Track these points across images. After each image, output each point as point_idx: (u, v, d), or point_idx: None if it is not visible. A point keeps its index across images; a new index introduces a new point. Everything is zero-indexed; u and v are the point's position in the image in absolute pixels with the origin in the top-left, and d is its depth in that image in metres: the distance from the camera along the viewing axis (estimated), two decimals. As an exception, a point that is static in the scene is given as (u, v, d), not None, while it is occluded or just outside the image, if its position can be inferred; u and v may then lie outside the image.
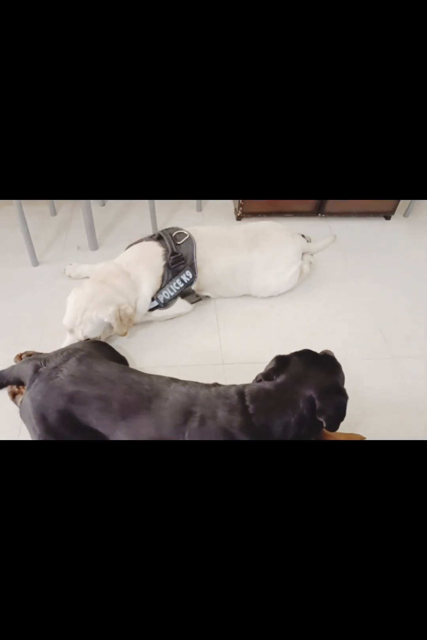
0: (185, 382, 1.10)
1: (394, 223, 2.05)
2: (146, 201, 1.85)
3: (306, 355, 1.06)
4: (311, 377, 1.00)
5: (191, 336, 1.52)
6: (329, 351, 1.11)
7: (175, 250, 1.47)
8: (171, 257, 1.46)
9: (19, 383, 1.21)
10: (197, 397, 1.04)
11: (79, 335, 1.31)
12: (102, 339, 1.39)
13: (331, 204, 1.97)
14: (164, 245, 1.48)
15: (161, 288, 1.47)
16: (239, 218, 1.98)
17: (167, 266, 1.46)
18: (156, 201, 1.85)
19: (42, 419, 1.04)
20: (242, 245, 1.55)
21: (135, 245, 1.53)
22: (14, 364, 1.28)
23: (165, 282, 1.47)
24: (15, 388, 1.23)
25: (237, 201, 1.96)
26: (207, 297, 1.61)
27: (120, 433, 1.05)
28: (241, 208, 1.95)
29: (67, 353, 1.13)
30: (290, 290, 1.67)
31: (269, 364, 1.09)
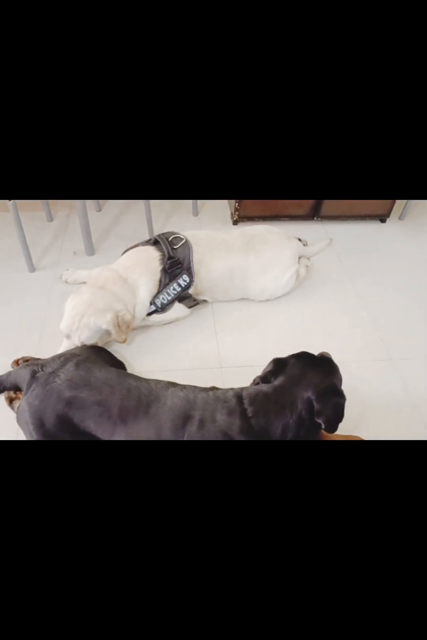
0: (183, 387, 1.10)
1: (390, 226, 2.07)
2: (142, 206, 1.85)
3: (303, 358, 1.06)
4: (309, 379, 1.00)
5: (189, 340, 1.51)
6: (326, 353, 1.12)
7: (172, 254, 1.47)
8: (168, 262, 1.46)
9: (16, 389, 1.20)
10: (195, 401, 1.03)
11: (76, 341, 1.31)
12: (100, 345, 1.39)
13: (327, 208, 1.99)
14: (160, 250, 1.48)
15: (159, 292, 1.47)
16: (235, 222, 1.99)
17: (164, 270, 1.46)
18: (152, 206, 1.85)
19: (39, 424, 1.03)
20: (238, 249, 1.55)
21: (131, 250, 1.53)
22: (10, 369, 1.27)
23: (162, 286, 1.47)
24: (12, 394, 1.22)
25: (233, 205, 1.97)
26: (204, 301, 1.62)
27: (119, 438, 1.04)
28: (237, 212, 1.95)
29: (65, 358, 1.13)
30: (287, 294, 1.68)
31: (267, 366, 1.09)
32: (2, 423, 1.21)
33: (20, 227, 1.62)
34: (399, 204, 2.09)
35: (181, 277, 1.48)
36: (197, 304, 1.59)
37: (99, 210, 2.06)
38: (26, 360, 1.32)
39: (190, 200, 2.05)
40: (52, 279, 1.69)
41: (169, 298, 1.48)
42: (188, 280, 1.49)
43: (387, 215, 2.05)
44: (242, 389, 1.06)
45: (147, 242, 1.53)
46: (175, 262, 1.47)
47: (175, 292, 1.49)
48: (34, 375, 1.09)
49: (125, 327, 1.35)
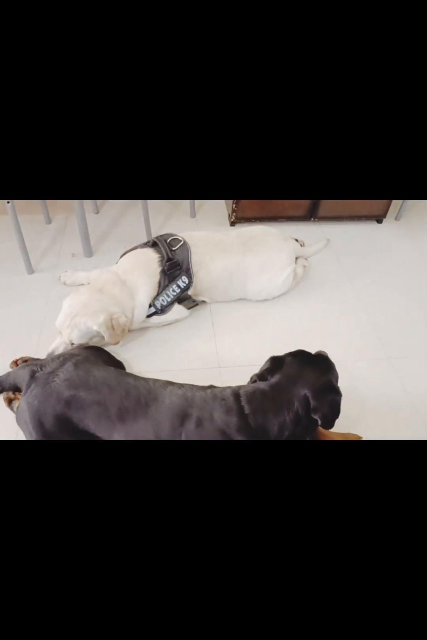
0: (181, 385, 1.10)
1: (386, 226, 2.09)
2: (140, 208, 1.86)
3: (299, 356, 1.07)
4: (305, 377, 1.01)
5: (187, 341, 1.52)
6: (323, 351, 1.13)
7: (170, 256, 1.48)
8: (167, 263, 1.47)
9: (15, 389, 1.21)
10: (193, 400, 1.04)
11: (65, 338, 1.31)
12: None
13: (324, 209, 2.00)
14: (159, 252, 1.49)
15: (158, 294, 1.48)
16: (232, 223, 2.00)
17: (163, 272, 1.47)
18: (150, 208, 1.86)
19: (39, 424, 1.03)
20: (236, 249, 1.56)
21: (130, 253, 1.54)
22: (9, 370, 1.27)
23: (161, 288, 1.48)
24: (11, 394, 1.22)
25: (230, 207, 1.98)
26: (203, 302, 1.62)
27: (118, 437, 1.05)
28: (234, 213, 1.96)
29: (64, 358, 1.13)
30: (285, 294, 1.69)
31: (264, 364, 1.10)
32: (2, 423, 1.22)
33: (18, 230, 1.63)
34: (395, 204, 2.11)
35: (180, 278, 1.49)
36: (196, 305, 1.60)
37: (97, 212, 2.07)
38: (25, 360, 1.32)
39: (188, 202, 2.07)
40: (50, 281, 1.70)
41: (169, 300, 1.49)
42: (187, 282, 1.50)
43: (384, 215, 2.06)
44: (239, 387, 1.06)
45: (145, 245, 1.54)
46: (174, 264, 1.48)
47: (174, 293, 1.49)
48: (33, 375, 1.09)
49: (120, 331, 1.35)
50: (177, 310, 1.53)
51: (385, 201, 2.01)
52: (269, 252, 1.60)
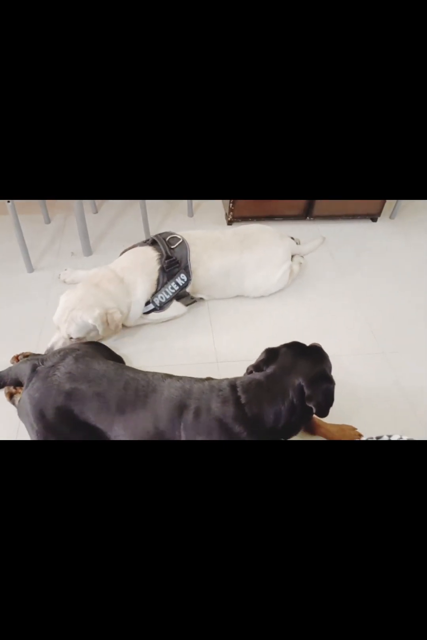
0: (179, 378, 1.13)
1: (381, 225, 2.12)
2: (138, 208, 1.89)
3: (294, 347, 1.10)
4: (300, 367, 1.04)
5: (186, 337, 1.55)
6: (317, 343, 1.15)
7: (169, 254, 1.51)
8: (166, 261, 1.50)
9: (17, 384, 1.23)
10: (191, 391, 1.07)
11: (63, 333, 1.33)
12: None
13: (319, 208, 2.03)
14: (158, 250, 1.52)
15: (157, 291, 1.51)
16: (230, 222, 2.03)
17: (162, 270, 1.50)
18: (148, 207, 1.89)
19: (40, 416, 1.06)
20: (234, 247, 1.59)
21: (130, 251, 1.56)
22: (10, 365, 1.30)
23: (160, 285, 1.51)
24: (12, 389, 1.24)
25: (227, 206, 2.01)
26: (201, 299, 1.65)
27: (117, 428, 1.07)
28: (231, 212, 1.99)
29: (64, 352, 1.16)
30: (281, 291, 1.72)
31: (260, 356, 1.12)
32: (2, 423, 1.24)
33: (19, 229, 1.65)
34: (390, 203, 2.14)
35: (179, 276, 1.52)
36: (194, 301, 1.63)
37: (96, 212, 2.09)
38: (26, 355, 1.35)
39: (186, 202, 2.10)
40: (50, 279, 1.72)
41: (167, 297, 1.52)
42: (186, 279, 1.53)
43: (378, 214, 2.09)
44: (236, 378, 1.09)
45: (144, 243, 1.57)
46: (173, 262, 1.51)
47: (173, 290, 1.52)
48: (34, 369, 1.12)
49: (114, 326, 1.38)
50: (176, 307, 1.56)
51: (379, 200, 2.04)
52: (265, 250, 1.63)
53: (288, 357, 1.07)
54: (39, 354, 1.28)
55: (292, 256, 1.76)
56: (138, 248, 1.56)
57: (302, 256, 1.83)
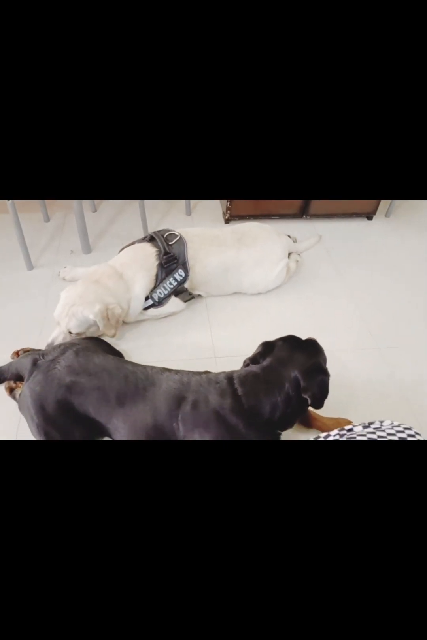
0: (177, 371, 1.15)
1: (376, 223, 2.14)
2: (137, 206, 1.91)
3: (290, 340, 1.12)
4: (295, 359, 1.06)
5: (184, 333, 1.57)
6: (312, 337, 1.17)
7: (167, 250, 1.53)
8: (164, 257, 1.52)
9: (17, 378, 1.25)
10: (189, 384, 1.09)
11: (63, 328, 1.35)
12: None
13: (315, 206, 2.06)
14: (156, 246, 1.54)
15: (155, 287, 1.53)
16: (227, 221, 2.05)
17: (161, 266, 1.52)
18: (147, 206, 1.91)
19: (41, 408, 1.08)
20: (231, 244, 1.61)
21: (129, 248, 1.58)
22: (11, 360, 1.31)
23: (159, 281, 1.53)
24: (12, 383, 1.26)
25: (225, 204, 2.03)
26: (199, 295, 1.67)
27: (117, 421, 1.09)
28: (228, 211, 2.02)
29: (65, 347, 1.18)
30: (278, 288, 1.74)
31: (256, 349, 1.14)
32: (2, 423, 1.25)
33: (19, 227, 1.67)
34: (385, 202, 2.17)
35: (177, 271, 1.54)
36: (192, 298, 1.65)
37: (95, 210, 2.11)
38: (26, 351, 1.36)
39: (184, 201, 2.12)
40: (50, 277, 1.74)
41: (166, 292, 1.54)
42: (184, 275, 1.55)
43: (374, 213, 2.12)
44: (233, 371, 1.11)
45: (143, 240, 1.59)
46: (171, 258, 1.53)
47: (171, 286, 1.54)
48: (35, 363, 1.14)
49: (115, 321, 1.40)
50: (174, 303, 1.58)
51: (375, 199, 2.07)
52: (262, 247, 1.65)
53: (284, 350, 1.09)
54: (39, 350, 1.30)
55: (289, 254, 1.79)
56: (137, 245, 1.58)
57: (299, 254, 1.86)
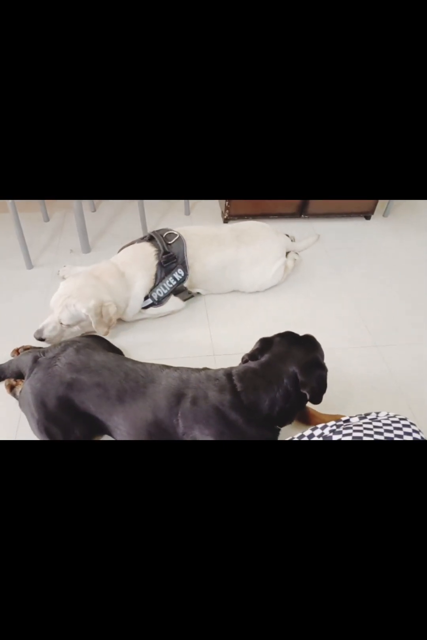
0: (177, 368, 1.16)
1: (374, 222, 2.16)
2: (136, 206, 1.92)
3: (287, 336, 1.14)
4: (293, 355, 1.07)
5: (183, 331, 1.58)
6: (310, 334, 1.19)
7: (167, 249, 1.54)
8: (163, 256, 1.53)
9: (17, 376, 1.25)
10: (188, 380, 1.10)
11: (55, 317, 1.36)
12: (80, 331, 1.43)
13: (313, 206, 2.07)
14: (156, 246, 1.55)
15: (155, 286, 1.54)
16: (226, 220, 2.06)
17: (160, 265, 1.53)
18: (146, 206, 1.92)
19: (41, 405, 1.08)
20: (230, 243, 1.62)
21: (129, 247, 1.59)
22: (11, 358, 1.32)
23: (158, 280, 1.54)
24: (12, 381, 1.27)
25: (224, 204, 2.04)
26: (198, 293, 1.68)
27: (117, 418, 1.10)
28: (227, 211, 2.03)
29: (65, 344, 1.19)
30: (277, 286, 1.75)
31: (255, 345, 1.16)
32: (2, 423, 1.25)
33: (19, 226, 1.68)
34: (383, 202, 2.18)
35: (176, 271, 1.55)
36: (192, 296, 1.66)
37: (94, 210, 2.12)
38: (27, 348, 1.37)
39: (183, 201, 2.13)
40: (49, 276, 1.75)
41: (165, 291, 1.55)
42: (183, 274, 1.56)
43: (372, 212, 2.13)
44: (232, 368, 1.12)
45: (142, 239, 1.60)
46: (171, 257, 1.54)
47: (170, 285, 1.55)
48: (36, 360, 1.14)
49: (108, 319, 1.40)
50: (173, 302, 1.59)
51: (373, 199, 2.09)
52: (261, 246, 1.66)
53: (282, 345, 1.10)
54: (40, 347, 1.31)
55: (287, 253, 1.80)
56: (136, 244, 1.59)
57: (297, 253, 1.87)
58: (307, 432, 0.98)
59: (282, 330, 1.34)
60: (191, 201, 2.18)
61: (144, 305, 1.55)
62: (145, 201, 1.94)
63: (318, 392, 1.05)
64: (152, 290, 1.53)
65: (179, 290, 1.59)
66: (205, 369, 1.16)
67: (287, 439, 1.02)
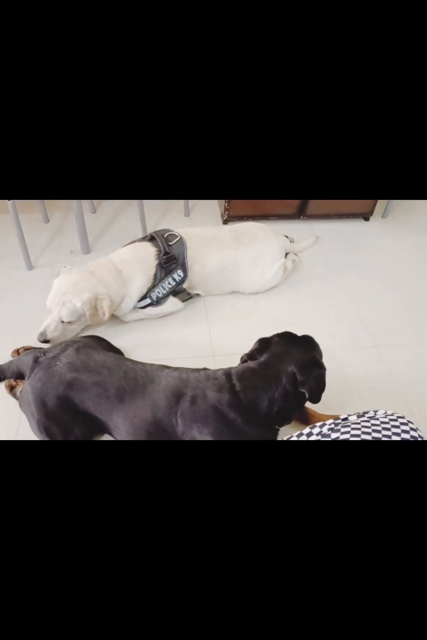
0: (176, 368, 1.17)
1: (373, 224, 2.17)
2: (136, 208, 1.93)
3: (286, 336, 1.14)
4: (292, 355, 1.08)
5: (183, 332, 1.58)
6: (308, 334, 1.19)
7: (167, 250, 1.55)
8: (164, 257, 1.54)
9: (18, 377, 1.26)
10: (188, 380, 1.10)
11: (55, 316, 1.37)
12: (80, 327, 1.45)
13: (312, 207, 2.08)
14: (156, 246, 1.56)
15: (154, 286, 1.54)
16: (225, 222, 2.07)
17: (160, 265, 1.54)
18: (145, 207, 1.93)
19: (42, 404, 1.09)
20: (229, 244, 1.63)
21: (129, 245, 1.60)
22: (11, 359, 1.32)
23: (157, 280, 1.54)
24: (12, 382, 1.27)
25: (223, 206, 2.05)
26: (197, 294, 1.69)
27: (117, 417, 1.11)
28: (226, 212, 2.03)
29: (65, 344, 1.19)
30: (276, 288, 1.76)
31: (253, 345, 1.16)
32: (2, 423, 1.26)
33: (19, 227, 1.69)
34: (382, 203, 2.19)
35: (176, 272, 1.56)
36: (191, 297, 1.66)
37: (94, 211, 2.13)
38: (27, 349, 1.38)
39: (182, 201, 2.14)
40: (49, 277, 1.74)
41: (164, 292, 1.56)
42: (182, 275, 1.57)
43: (371, 213, 2.14)
44: (230, 368, 1.13)
45: (143, 239, 1.61)
46: (171, 258, 1.54)
47: (170, 286, 1.56)
48: (36, 360, 1.15)
49: (102, 313, 1.41)
50: (172, 302, 1.59)
51: (372, 200, 2.09)
52: (260, 247, 1.67)
53: (280, 345, 1.11)
54: (40, 348, 1.31)
55: (287, 254, 1.81)
56: (137, 243, 1.59)
57: (296, 254, 1.88)
58: (306, 430, 0.98)
59: (281, 330, 1.35)
60: (191, 202, 2.19)
61: (142, 305, 1.55)
62: (145, 202, 1.95)
63: (317, 391, 1.06)
64: (151, 290, 1.54)
65: (178, 291, 1.60)
66: (204, 369, 1.17)
67: (286, 438, 1.03)
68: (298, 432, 1.00)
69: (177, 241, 1.57)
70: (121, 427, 1.11)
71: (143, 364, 1.18)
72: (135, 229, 1.97)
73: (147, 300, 1.55)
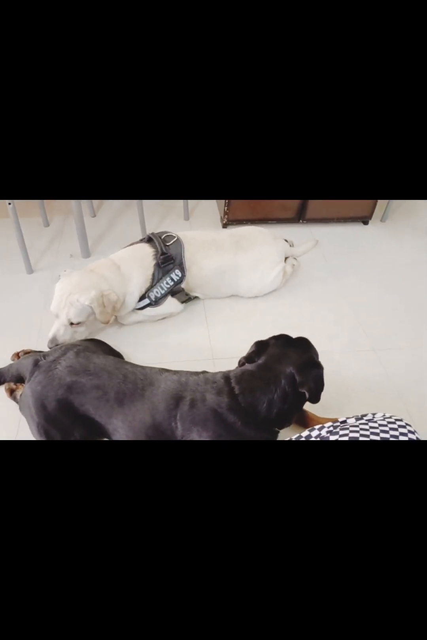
0: (175, 371, 1.17)
1: (372, 227, 2.18)
2: (135, 211, 1.94)
3: (282, 338, 1.16)
4: (289, 356, 1.09)
5: (182, 335, 1.59)
6: (303, 337, 1.20)
7: (164, 250, 1.56)
8: (161, 257, 1.55)
9: (18, 380, 1.26)
10: (187, 383, 1.10)
11: (63, 319, 1.37)
12: (88, 329, 1.46)
13: (312, 211, 2.08)
14: (154, 246, 1.57)
15: (152, 286, 1.55)
16: (225, 225, 2.08)
17: (158, 265, 1.55)
18: (145, 210, 1.94)
19: (41, 407, 1.09)
20: (228, 248, 1.64)
21: (127, 247, 1.61)
22: (11, 362, 1.33)
23: (155, 280, 1.55)
24: (12, 385, 1.28)
25: (223, 209, 2.06)
26: (196, 297, 1.69)
27: (116, 420, 1.11)
28: (226, 215, 2.04)
29: (65, 347, 1.20)
30: (275, 291, 1.76)
31: (250, 348, 1.17)
32: (2, 423, 1.26)
33: (19, 231, 1.69)
34: (381, 206, 2.20)
35: (173, 271, 1.57)
36: (190, 299, 1.67)
37: (94, 215, 2.14)
38: (27, 352, 1.38)
39: (182, 205, 2.15)
40: (49, 280, 1.76)
41: (162, 291, 1.56)
42: (180, 275, 1.57)
43: (370, 217, 2.15)
44: (229, 371, 1.14)
45: (141, 241, 1.62)
46: (168, 258, 1.56)
47: (168, 286, 1.57)
48: (36, 363, 1.15)
49: (111, 308, 1.42)
50: (172, 303, 1.60)
51: (371, 203, 2.10)
52: (259, 251, 1.67)
53: (277, 347, 1.12)
54: (40, 351, 1.32)
55: (286, 258, 1.81)
56: (135, 245, 1.61)
57: (295, 258, 1.88)
58: (305, 433, 0.99)
59: (279, 333, 1.36)
60: (190, 206, 2.20)
61: (141, 305, 1.56)
62: (145, 206, 1.96)
63: (316, 391, 1.06)
64: (149, 290, 1.55)
65: (177, 292, 1.60)
66: (204, 372, 1.17)
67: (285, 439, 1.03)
68: (297, 435, 1.01)
69: (174, 242, 1.58)
70: (120, 430, 1.11)
71: (142, 367, 1.19)
72: (135, 233, 1.97)
73: (146, 301, 1.56)
